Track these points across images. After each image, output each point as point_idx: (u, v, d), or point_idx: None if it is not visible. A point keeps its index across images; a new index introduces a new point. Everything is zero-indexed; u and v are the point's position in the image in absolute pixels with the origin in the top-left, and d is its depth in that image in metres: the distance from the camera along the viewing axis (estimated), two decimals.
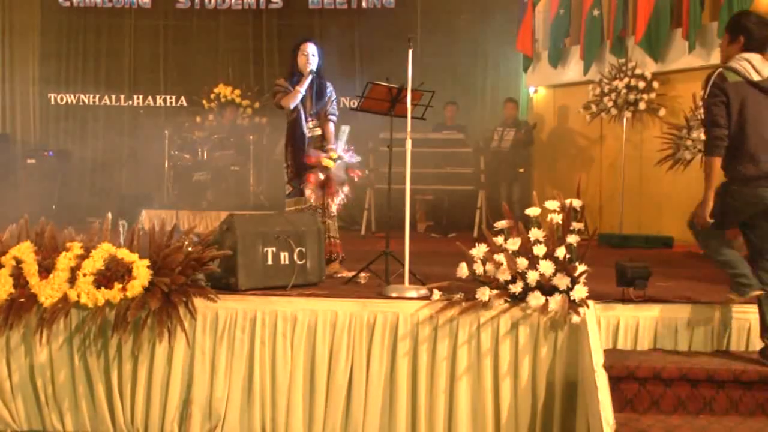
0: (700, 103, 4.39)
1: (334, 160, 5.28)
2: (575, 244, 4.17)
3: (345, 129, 5.43)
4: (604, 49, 9.27)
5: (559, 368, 4.09)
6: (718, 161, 3.97)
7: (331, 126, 5.60)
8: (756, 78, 3.98)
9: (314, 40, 5.70)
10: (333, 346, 4.22)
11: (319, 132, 5.59)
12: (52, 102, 11.76)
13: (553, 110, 10.40)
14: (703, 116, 4.10)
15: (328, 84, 5.63)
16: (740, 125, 3.95)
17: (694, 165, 7.64)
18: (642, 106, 8.65)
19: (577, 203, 4.28)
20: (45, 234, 4.51)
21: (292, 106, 5.48)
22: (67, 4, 11.64)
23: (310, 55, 5.53)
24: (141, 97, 11.75)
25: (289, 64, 5.68)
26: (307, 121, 5.54)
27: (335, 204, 5.43)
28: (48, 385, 4.33)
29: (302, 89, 5.46)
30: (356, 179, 5.40)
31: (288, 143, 5.59)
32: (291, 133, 5.57)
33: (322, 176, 5.26)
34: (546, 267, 4.07)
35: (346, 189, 5.35)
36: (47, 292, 4.24)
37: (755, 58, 4.02)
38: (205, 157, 10.45)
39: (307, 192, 5.33)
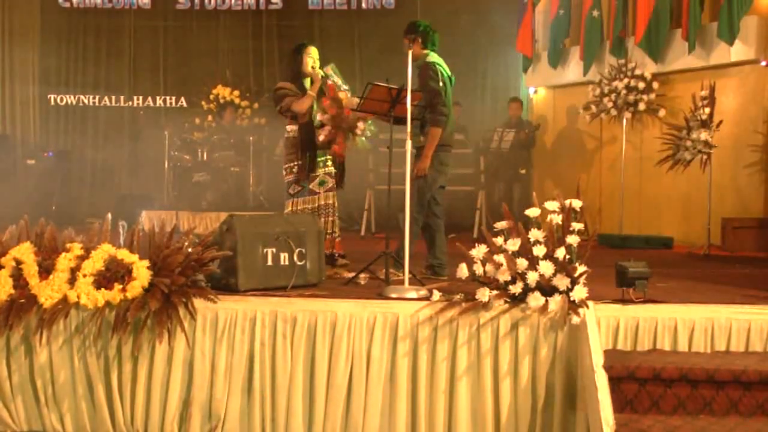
0: (427, 87, 5.52)
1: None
2: (575, 245, 4.16)
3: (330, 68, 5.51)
4: (603, 49, 9.28)
5: (559, 369, 4.08)
6: (441, 131, 5.44)
7: None
8: (448, 74, 5.61)
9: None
10: (333, 346, 4.21)
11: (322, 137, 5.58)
12: (52, 103, 11.77)
13: (552, 111, 10.41)
14: (427, 100, 5.43)
15: None
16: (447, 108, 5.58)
17: (694, 165, 7.66)
18: (642, 106, 8.66)
19: (576, 204, 4.27)
20: (45, 235, 4.50)
21: (305, 110, 5.45)
22: (67, 5, 11.65)
23: (315, 59, 5.53)
24: (141, 97, 11.77)
25: (290, 67, 5.62)
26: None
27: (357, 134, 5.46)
28: (48, 385, 4.33)
29: (315, 93, 5.45)
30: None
31: (300, 146, 5.52)
32: (304, 137, 5.51)
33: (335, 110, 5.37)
34: (546, 268, 4.07)
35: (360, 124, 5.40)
36: (47, 292, 4.24)
37: (437, 55, 5.56)
38: (204, 157, 10.45)
39: (319, 117, 5.39)
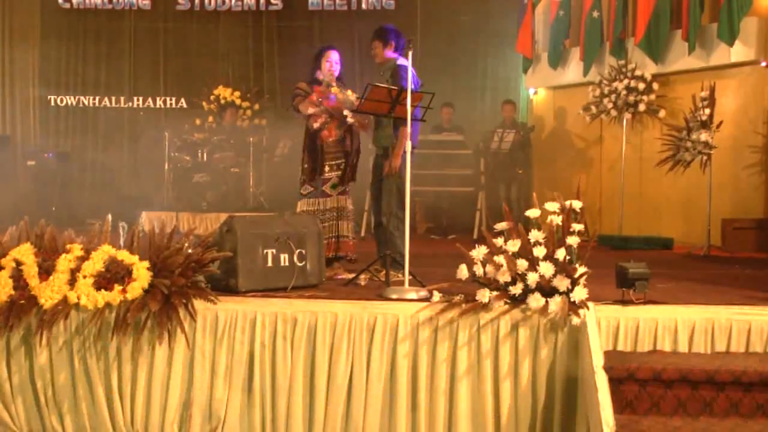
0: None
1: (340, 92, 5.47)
2: (575, 246, 4.17)
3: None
4: (603, 50, 9.28)
5: (559, 370, 4.08)
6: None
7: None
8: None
9: (336, 47, 5.74)
10: (333, 347, 4.21)
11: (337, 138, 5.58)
12: (52, 104, 11.77)
13: (552, 112, 10.41)
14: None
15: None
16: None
17: (694, 166, 7.66)
18: (642, 107, 8.66)
19: (577, 205, 4.27)
20: (45, 236, 4.50)
21: (307, 113, 5.48)
22: (67, 6, 11.65)
23: (334, 63, 5.56)
24: (141, 98, 11.77)
25: (311, 69, 5.68)
26: None
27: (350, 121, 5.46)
28: (48, 387, 4.33)
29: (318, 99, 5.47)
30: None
31: (307, 148, 5.57)
32: (311, 139, 5.54)
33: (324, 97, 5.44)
34: (546, 268, 4.07)
35: (347, 114, 5.41)
36: (47, 293, 4.24)
37: (405, 60, 5.12)
38: (204, 158, 10.45)
39: (310, 110, 5.43)
